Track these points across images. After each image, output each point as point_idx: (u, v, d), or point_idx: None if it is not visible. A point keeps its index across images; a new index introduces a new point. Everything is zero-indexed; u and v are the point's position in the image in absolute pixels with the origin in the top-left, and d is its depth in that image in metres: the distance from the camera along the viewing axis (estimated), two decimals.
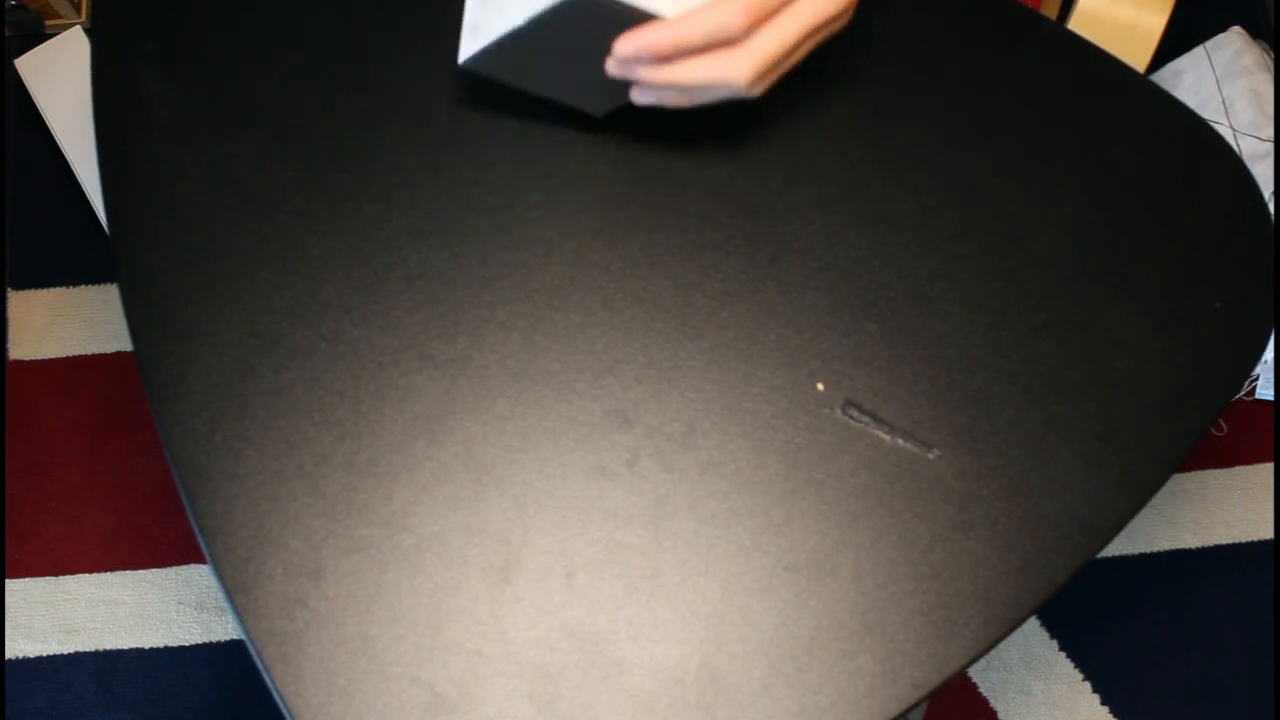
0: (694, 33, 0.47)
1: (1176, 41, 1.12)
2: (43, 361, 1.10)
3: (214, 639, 0.99)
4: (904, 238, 0.63)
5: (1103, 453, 0.59)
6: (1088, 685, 0.98)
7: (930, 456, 0.58)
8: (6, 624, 1.00)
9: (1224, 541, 1.03)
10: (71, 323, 1.12)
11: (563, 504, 0.57)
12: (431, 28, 0.67)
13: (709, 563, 0.56)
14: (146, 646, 0.99)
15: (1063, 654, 0.99)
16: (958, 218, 0.63)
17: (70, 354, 1.11)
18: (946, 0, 0.68)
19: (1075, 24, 0.96)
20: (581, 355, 0.60)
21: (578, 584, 0.56)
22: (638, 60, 0.49)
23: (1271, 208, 1.02)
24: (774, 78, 0.52)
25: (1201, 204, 0.64)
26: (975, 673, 0.97)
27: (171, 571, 1.01)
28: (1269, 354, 1.07)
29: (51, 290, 1.14)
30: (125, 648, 0.99)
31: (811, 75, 0.66)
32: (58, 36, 1.17)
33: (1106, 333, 0.61)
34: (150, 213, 0.62)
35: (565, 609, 0.55)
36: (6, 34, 1.27)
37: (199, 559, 1.02)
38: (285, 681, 0.53)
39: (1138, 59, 0.95)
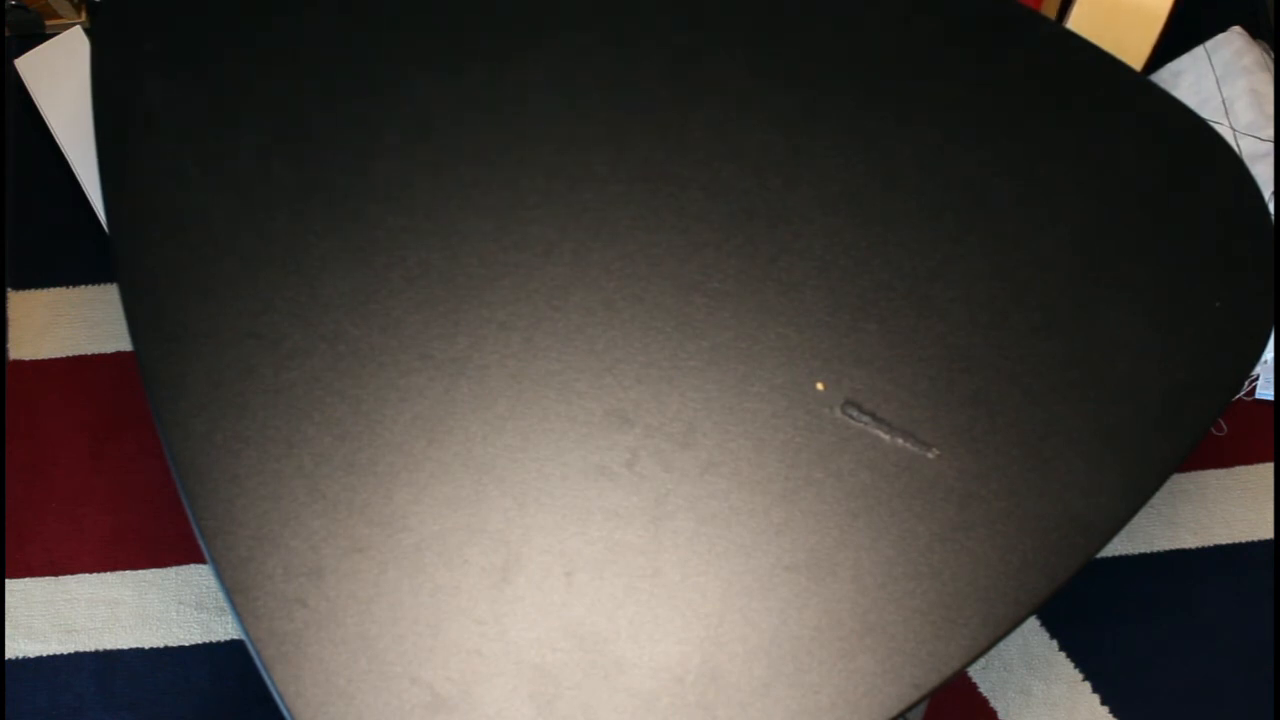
0: None
1: (1177, 41, 1.12)
2: (43, 361, 1.10)
3: (214, 639, 0.99)
4: (904, 238, 0.63)
5: (1103, 453, 0.59)
6: (1088, 685, 0.98)
7: (930, 456, 0.58)
8: (6, 624, 1.00)
9: (1224, 541, 1.03)
10: (71, 323, 1.12)
11: (562, 504, 0.57)
12: (432, 29, 0.67)
13: (709, 562, 0.56)
14: (146, 646, 0.99)
15: (1063, 654, 0.98)
16: (958, 218, 0.63)
17: (70, 354, 1.11)
18: (946, 0, 0.68)
19: (1081, 6, 0.96)
20: (581, 355, 0.60)
21: (578, 583, 0.56)
22: None
23: (1271, 208, 1.01)
24: None
25: (1201, 204, 0.64)
26: (975, 672, 0.97)
27: (171, 571, 1.01)
28: (1269, 354, 1.07)
29: (51, 290, 1.14)
30: (125, 648, 0.99)
31: (811, 76, 0.66)
32: (58, 36, 1.17)
33: (1106, 333, 0.61)
34: (150, 213, 0.62)
35: (565, 609, 0.55)
36: (6, 34, 1.27)
37: (199, 559, 1.02)
38: (285, 681, 0.53)
39: (1143, 43, 0.95)
